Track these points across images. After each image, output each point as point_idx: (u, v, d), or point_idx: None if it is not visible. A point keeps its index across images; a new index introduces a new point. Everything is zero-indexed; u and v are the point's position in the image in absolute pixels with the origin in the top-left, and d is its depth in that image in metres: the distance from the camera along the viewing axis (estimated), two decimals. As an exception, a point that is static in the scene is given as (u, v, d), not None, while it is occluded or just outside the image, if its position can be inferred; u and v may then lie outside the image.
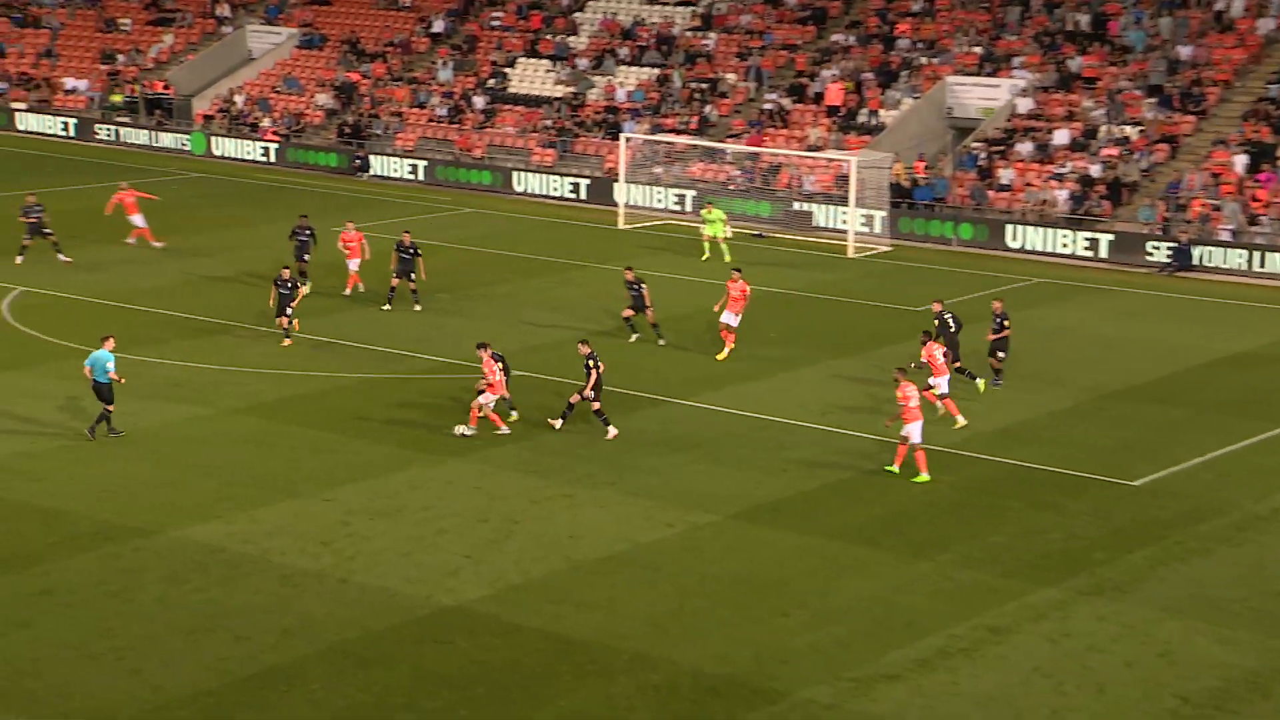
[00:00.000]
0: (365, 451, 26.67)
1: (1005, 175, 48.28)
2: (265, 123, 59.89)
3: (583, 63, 59.25)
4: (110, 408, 26.34)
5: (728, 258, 42.54)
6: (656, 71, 57.59)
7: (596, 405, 27.87)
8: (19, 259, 39.43)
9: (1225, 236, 44.19)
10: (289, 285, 32.37)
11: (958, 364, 30.57)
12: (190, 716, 17.82)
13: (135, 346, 31.94)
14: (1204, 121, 48.58)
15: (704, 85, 56.22)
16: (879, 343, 34.06)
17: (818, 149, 50.79)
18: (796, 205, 49.20)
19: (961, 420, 28.67)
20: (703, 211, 44.82)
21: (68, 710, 17.81)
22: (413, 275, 36.13)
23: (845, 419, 28.98)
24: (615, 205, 49.79)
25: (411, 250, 36.27)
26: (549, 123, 56.48)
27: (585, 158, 55.00)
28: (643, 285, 33.78)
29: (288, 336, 32.26)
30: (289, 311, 32.28)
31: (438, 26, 63.32)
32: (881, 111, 52.50)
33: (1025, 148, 49.15)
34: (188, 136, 60.05)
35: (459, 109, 58.14)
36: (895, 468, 26.30)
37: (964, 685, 19.05)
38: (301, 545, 22.50)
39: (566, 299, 38.46)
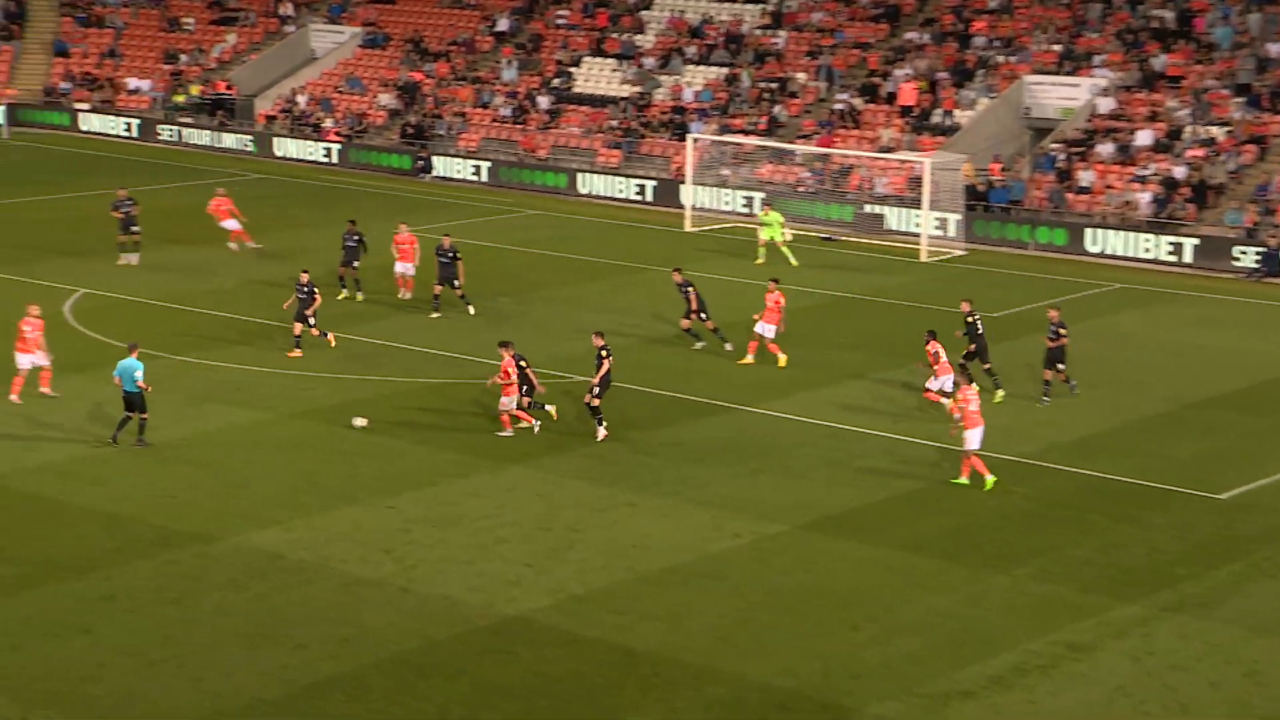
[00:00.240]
0: (426, 458, 26.82)
1: (1085, 177, 47.80)
2: (327, 123, 60.42)
3: (649, 62, 59.30)
4: (145, 416, 26.38)
5: (794, 261, 42.45)
6: (725, 71, 57.54)
7: (595, 401, 27.82)
8: (123, 258, 39.82)
9: (1316, 241, 43.53)
10: (307, 290, 32.01)
11: (987, 367, 30.69)
12: (249, 725, 18.01)
13: (195, 350, 32.30)
14: (1294, 121, 47.91)
15: (773, 85, 56.10)
16: (953, 350, 33.78)
17: (890, 150, 50.54)
18: (868, 208, 48.97)
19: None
20: (759, 214, 44.68)
21: (129, 717, 18.03)
22: (455, 281, 35.83)
23: (918, 428, 28.79)
24: (682, 208, 49.76)
25: (451, 254, 35.95)
26: (615, 123, 56.57)
27: (651, 159, 55.04)
28: (691, 287, 33.72)
29: (298, 346, 31.92)
30: (311, 320, 31.89)
31: (502, 25, 63.61)
32: (956, 112, 52.16)
33: (1106, 149, 48.64)
34: (249, 137, 60.69)
35: (523, 109, 58.37)
36: (964, 479, 26.10)
37: (1041, 704, 18.86)
38: (362, 553, 22.65)
39: (631, 303, 38.48)
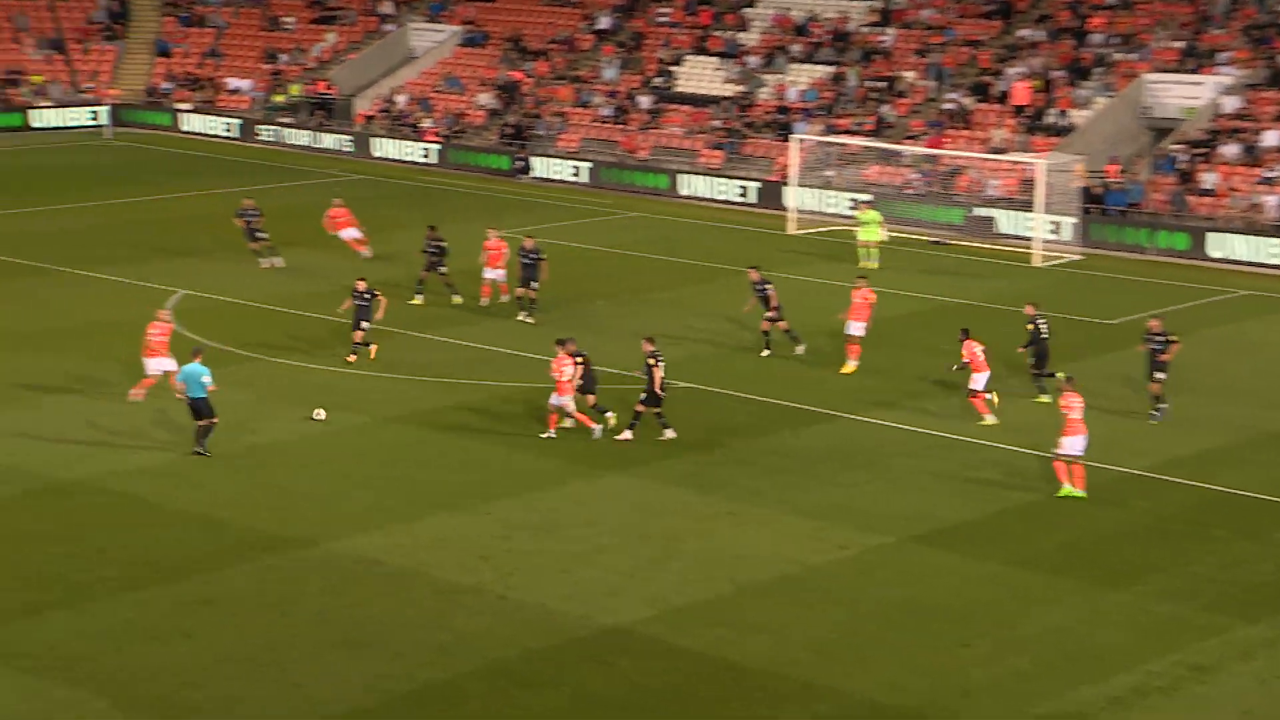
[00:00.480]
0: (525, 463, 26.98)
1: (1208, 179, 46.96)
2: (426, 123, 61.02)
3: (753, 60, 59.21)
4: (214, 420, 26.47)
5: (875, 264, 42.19)
6: (831, 69, 57.30)
7: (639, 407, 27.90)
8: (263, 262, 40.48)
9: None
10: (366, 297, 31.85)
11: (1040, 371, 30.71)
12: (347, 732, 18.23)
13: (294, 353, 32.75)
14: None
15: (881, 84, 55.76)
16: (1068, 357, 33.36)
17: (1002, 151, 50.01)
18: (978, 210, 48.51)
19: (990, 419, 28.88)
20: (857, 214, 44.43)
21: (228, 722, 18.35)
22: (534, 283, 35.78)
23: (1030, 438, 28.44)
24: (785, 210, 49.63)
25: (535, 255, 35.91)
26: (717, 123, 56.55)
27: (754, 160, 54.95)
28: (769, 286, 33.59)
29: (354, 353, 31.87)
30: (364, 326, 31.74)
31: (603, 23, 63.86)
32: (1072, 111, 51.50)
33: (1231, 150, 47.75)
34: (348, 138, 61.46)
35: (624, 109, 58.54)
36: (1078, 490, 25.75)
37: (1160, 727, 18.55)
38: (459, 559, 22.84)
39: (732, 307, 38.38)
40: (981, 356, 29.34)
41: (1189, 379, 30.62)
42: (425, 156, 59.41)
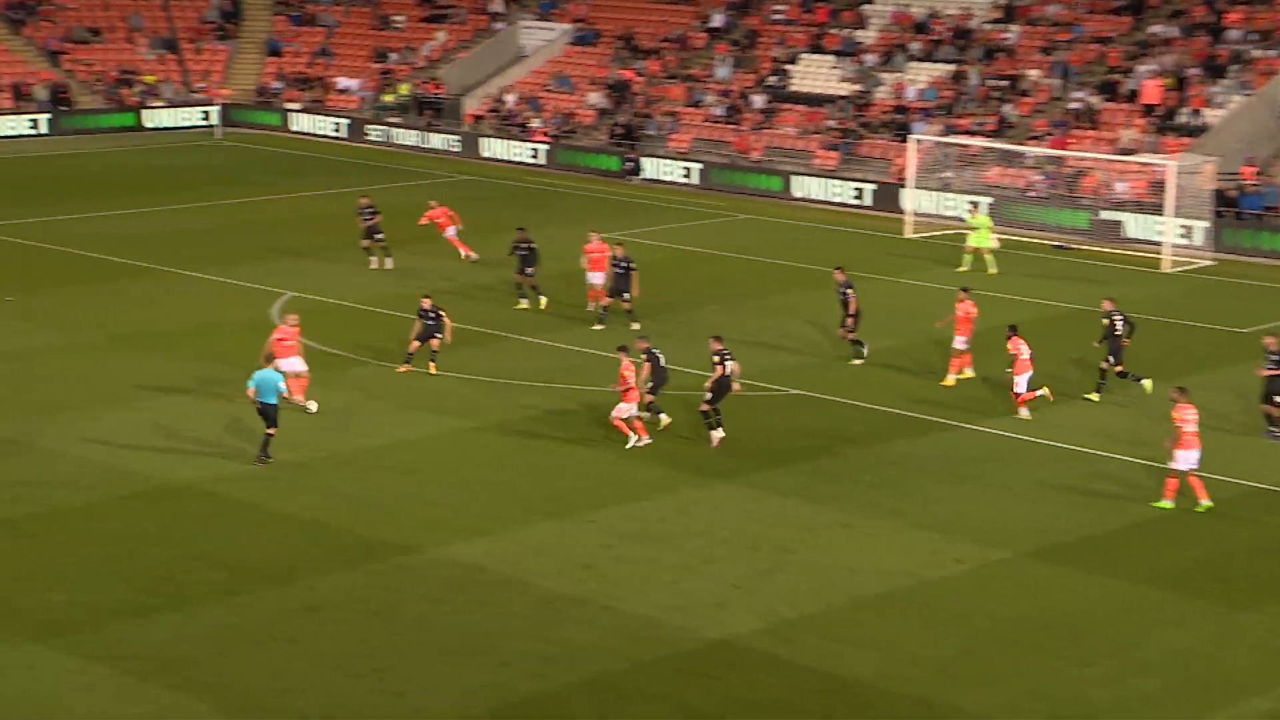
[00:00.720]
0: (632, 471, 27.02)
1: (1349, 181, 45.86)
2: (535, 123, 61.40)
3: (870, 59, 58.86)
4: (273, 432, 26.50)
5: (992, 270, 41.70)
6: (951, 68, 56.78)
7: (706, 407, 27.83)
8: (375, 262, 40.94)
9: None
10: (432, 315, 31.55)
11: (1119, 369, 30.76)
12: (448, 742, 18.37)
13: (399, 356, 33.07)
14: None
15: (1003, 82, 55.15)
16: (1200, 367, 32.80)
17: (1131, 152, 49.21)
18: (1104, 214, 47.79)
19: (1025, 414, 29.65)
20: (967, 218, 43.91)
21: (330, 729, 18.57)
22: (626, 293, 35.59)
23: (1158, 451, 27.91)
24: (902, 212, 49.26)
25: (625, 264, 35.72)
26: (832, 123, 56.29)
27: (870, 161, 54.61)
28: (850, 290, 33.27)
29: (420, 356, 31.73)
30: (434, 345, 31.41)
31: (717, 21, 63.85)
32: (1205, 111, 50.54)
33: (1373, 150, 46.59)
34: (456, 138, 62.02)
35: (736, 108, 58.47)
36: (1206, 502, 25.25)
37: (1293, 756, 18.12)
38: (564, 568, 22.92)
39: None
40: (1026, 356, 29.57)
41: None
42: (534, 157, 59.78)
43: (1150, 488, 26.42)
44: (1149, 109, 51.54)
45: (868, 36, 60.14)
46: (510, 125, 62.19)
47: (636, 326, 35.47)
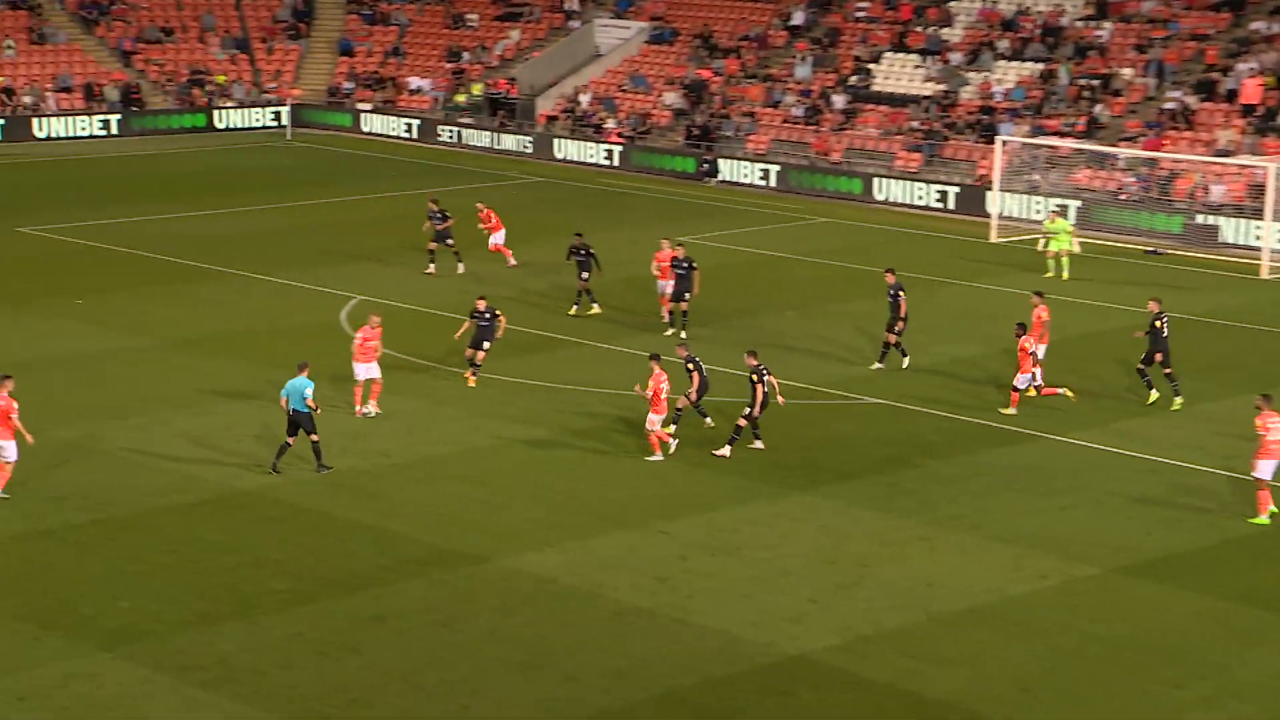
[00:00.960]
0: (705, 481, 26.98)
1: None
2: (609, 124, 61.52)
3: (956, 57, 58.50)
4: (316, 438, 26.70)
5: (1065, 275, 41.30)
6: (1040, 66, 56.32)
7: (741, 420, 27.77)
8: (434, 268, 41.26)
9: None
10: (487, 317, 31.46)
11: (1167, 371, 30.96)
12: (515, 757, 18.40)
13: (464, 365, 33.19)
14: None
15: (1095, 81, 54.62)
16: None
17: (1229, 154, 48.57)
18: (1200, 218, 47.18)
19: (1012, 411, 29.91)
20: (1046, 223, 43.50)
21: (394, 741, 18.67)
22: (687, 295, 35.39)
23: (1245, 464, 27.50)
24: (987, 216, 48.89)
25: (687, 264, 35.52)
26: (916, 124, 55.98)
27: (955, 163, 54.27)
28: (901, 292, 32.95)
29: (472, 365, 31.61)
30: (485, 346, 31.40)
31: (797, 19, 63.72)
32: (1306, 110, 49.83)
33: None
34: (529, 138, 62.25)
35: (816, 109, 58.29)
36: (1264, 517, 24.91)
37: (1395, 785, 17.77)
38: (636, 580, 22.92)
39: (929, 320, 37.92)
40: (1032, 353, 29.86)
41: None
42: (608, 158, 59.90)
43: (1239, 502, 26.04)
44: (1248, 109, 50.84)
45: (954, 34, 59.76)
46: (584, 126, 62.33)
47: (680, 334, 35.16)
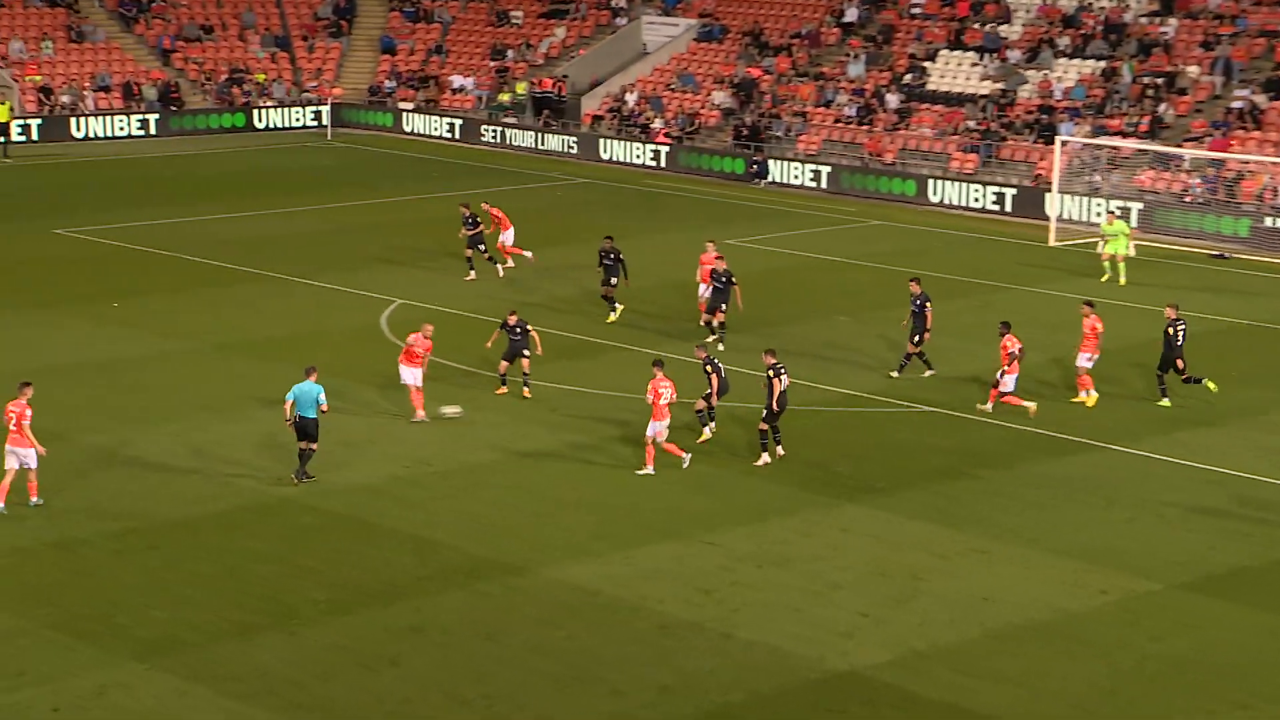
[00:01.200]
0: (754, 490, 26.95)
1: None
2: (656, 124, 61.56)
3: (1015, 55, 58.27)
4: (314, 447, 26.49)
5: (1123, 279, 41.03)
6: (1102, 64, 56.04)
7: (763, 425, 27.71)
8: (473, 275, 41.40)
9: None
10: (518, 331, 31.22)
11: (1170, 372, 31.25)
12: (558, 773, 18.42)
13: (512, 367, 33.27)
14: None
15: (1159, 80, 54.30)
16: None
17: (1297, 154, 48.23)
18: (1269, 221, 46.82)
19: (988, 408, 30.16)
20: (1103, 225, 43.20)
21: (433, 755, 18.72)
22: (724, 306, 35.19)
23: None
24: (1046, 219, 48.66)
25: (726, 279, 35.27)
26: (972, 124, 55.77)
27: (1012, 164, 54.05)
28: (928, 303, 32.79)
29: (503, 380, 31.52)
30: (525, 366, 31.14)
31: (850, 15, 63.62)
32: (1378, 109, 49.38)
33: None
34: (574, 139, 62.35)
35: (869, 108, 58.17)
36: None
37: None
38: (681, 592, 22.91)
39: (984, 326, 37.73)
40: (1016, 352, 30.13)
41: None
42: (654, 159, 59.93)
43: (1314, 517, 25.84)
44: (1318, 108, 50.47)
45: (1012, 31, 59.52)
46: (631, 125, 62.39)
47: (718, 344, 34.99)
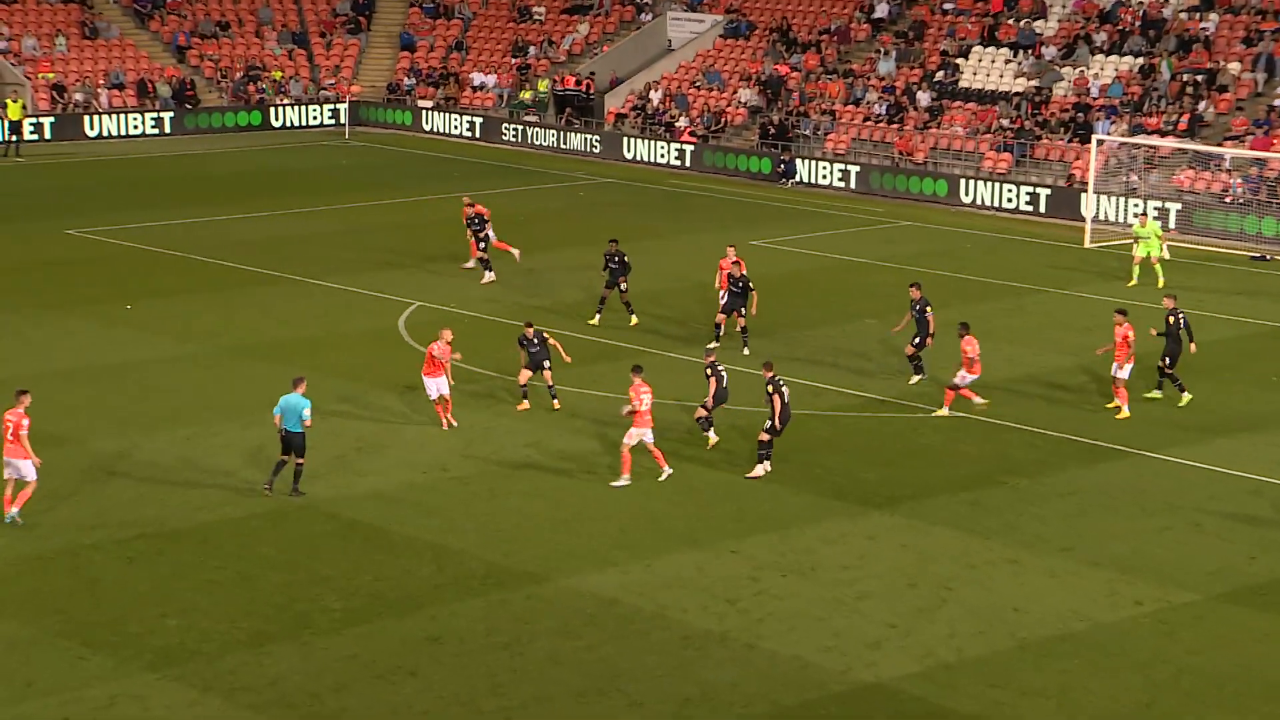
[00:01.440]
0: (778, 498, 26.97)
1: None
2: (681, 122, 61.61)
3: (1050, 51, 58.17)
4: (302, 461, 26.37)
5: (1160, 282, 40.90)
6: (1140, 61, 55.93)
7: (766, 437, 27.54)
8: (488, 275, 41.46)
9: None
10: (536, 343, 31.08)
11: (1167, 371, 31.68)
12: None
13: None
14: None
15: (1199, 77, 54.15)
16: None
17: (1340, 153, 48.04)
18: (1311, 222, 46.69)
19: (945, 412, 30.64)
20: (1135, 226, 43.08)
21: (449, 768, 18.77)
22: (742, 310, 35.22)
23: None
24: (1081, 220, 48.57)
25: (742, 285, 35.28)
26: (1005, 122, 55.70)
27: (1047, 164, 53.96)
28: (929, 308, 32.66)
29: (525, 392, 31.32)
30: (547, 365, 30.96)
31: (880, 11, 63.59)
32: None
33: None
34: (597, 138, 62.43)
35: (900, 106, 58.13)
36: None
37: None
38: (704, 602, 22.94)
39: (1017, 329, 37.77)
40: (975, 355, 30.47)
41: None
42: (679, 158, 59.99)
43: (1356, 526, 25.74)
44: (1361, 106, 50.27)
45: (1048, 27, 59.43)
46: (655, 124, 62.45)
47: (746, 351, 34.90)
